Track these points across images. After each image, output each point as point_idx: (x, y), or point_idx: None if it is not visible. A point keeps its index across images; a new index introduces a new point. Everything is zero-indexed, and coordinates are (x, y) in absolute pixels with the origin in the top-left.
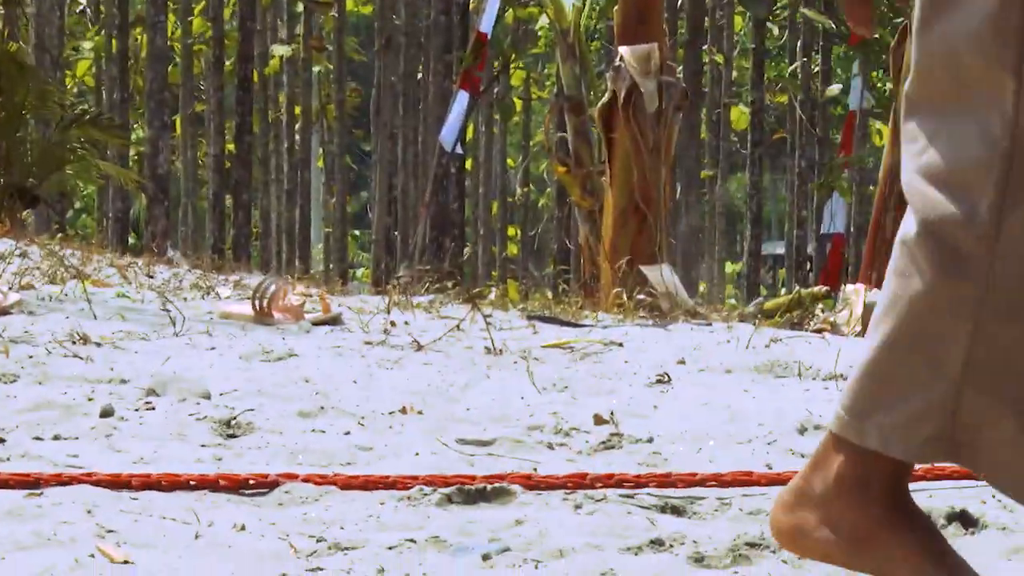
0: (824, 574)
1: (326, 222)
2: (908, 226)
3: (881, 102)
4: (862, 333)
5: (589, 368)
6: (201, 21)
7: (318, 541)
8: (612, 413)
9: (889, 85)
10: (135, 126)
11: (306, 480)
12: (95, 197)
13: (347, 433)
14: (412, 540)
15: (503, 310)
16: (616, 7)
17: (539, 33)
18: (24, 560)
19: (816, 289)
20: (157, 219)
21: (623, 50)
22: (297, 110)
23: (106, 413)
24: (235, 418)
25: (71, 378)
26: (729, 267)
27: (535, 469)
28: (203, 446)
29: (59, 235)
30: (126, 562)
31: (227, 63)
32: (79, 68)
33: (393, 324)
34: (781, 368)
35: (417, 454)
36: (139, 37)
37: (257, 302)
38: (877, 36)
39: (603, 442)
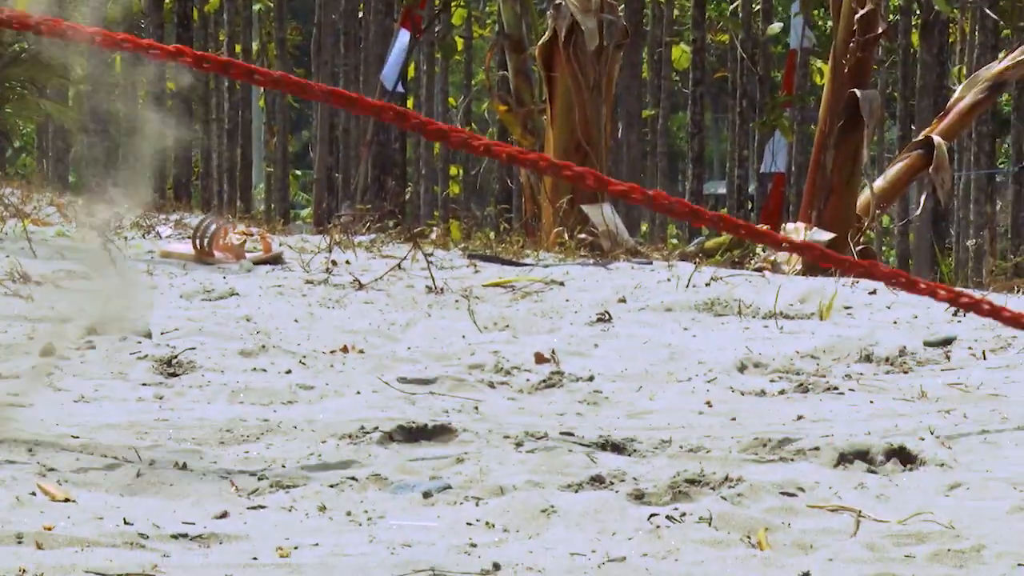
0: (762, 510)
1: (267, 162)
2: None
3: (822, 41)
4: (802, 272)
5: (530, 307)
6: None
7: (259, 479)
8: (553, 352)
9: (830, 23)
10: (75, 66)
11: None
12: (35, 136)
13: (288, 372)
14: (353, 478)
15: (444, 249)
16: None
17: None
18: None
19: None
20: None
21: None
22: (238, 48)
23: (47, 352)
24: (176, 357)
25: (12, 317)
26: None
27: (476, 408)
28: (144, 384)
29: None
30: (67, 500)
31: (166, 1)
32: (18, 4)
33: (334, 263)
34: (721, 306)
35: (358, 392)
36: None
37: (198, 241)
38: None
39: (544, 380)
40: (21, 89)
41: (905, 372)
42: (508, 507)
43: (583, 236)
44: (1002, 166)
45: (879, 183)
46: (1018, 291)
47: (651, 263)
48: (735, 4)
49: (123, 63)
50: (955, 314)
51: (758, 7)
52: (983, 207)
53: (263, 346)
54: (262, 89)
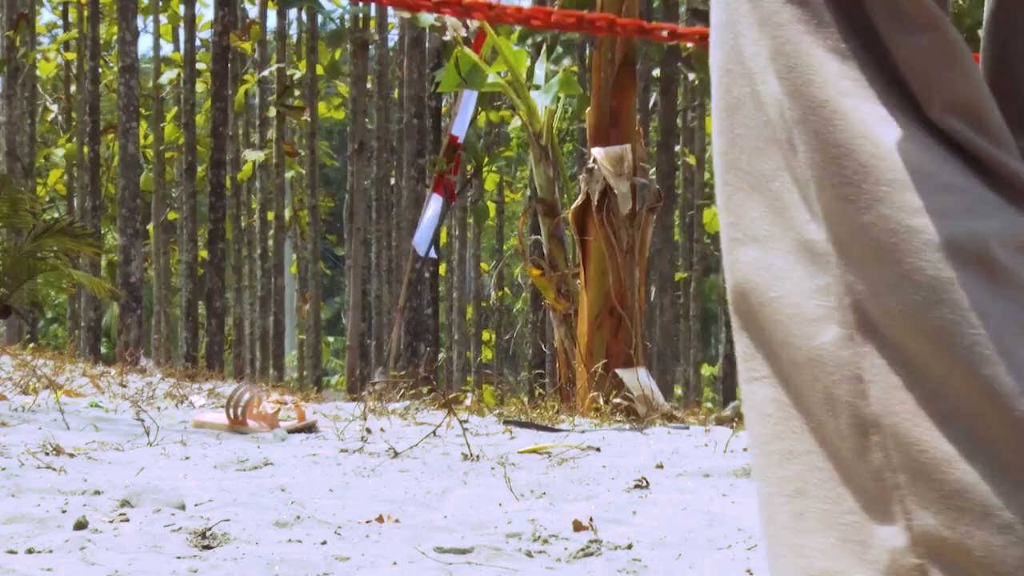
0: None
1: (300, 329)
2: None
3: None
4: None
5: (567, 473)
6: (173, 127)
7: None
8: (591, 519)
9: None
10: (107, 233)
11: None
12: (67, 306)
13: (324, 543)
14: None
15: (479, 415)
16: (588, 109)
17: (511, 136)
18: None
19: None
20: (130, 328)
21: (596, 152)
22: (270, 216)
23: (80, 525)
24: (210, 529)
25: (45, 490)
26: (705, 370)
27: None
28: (178, 558)
29: (31, 345)
30: None
31: (199, 169)
32: (51, 176)
33: (369, 431)
34: None
35: (395, 563)
36: (111, 144)
37: (231, 410)
38: None
39: (582, 549)
40: (54, 259)
41: None
42: None
43: (618, 401)
44: None
45: None
46: None
47: (687, 428)
48: None
49: (154, 230)
50: None
51: None
52: None
53: (298, 516)
54: (294, 255)
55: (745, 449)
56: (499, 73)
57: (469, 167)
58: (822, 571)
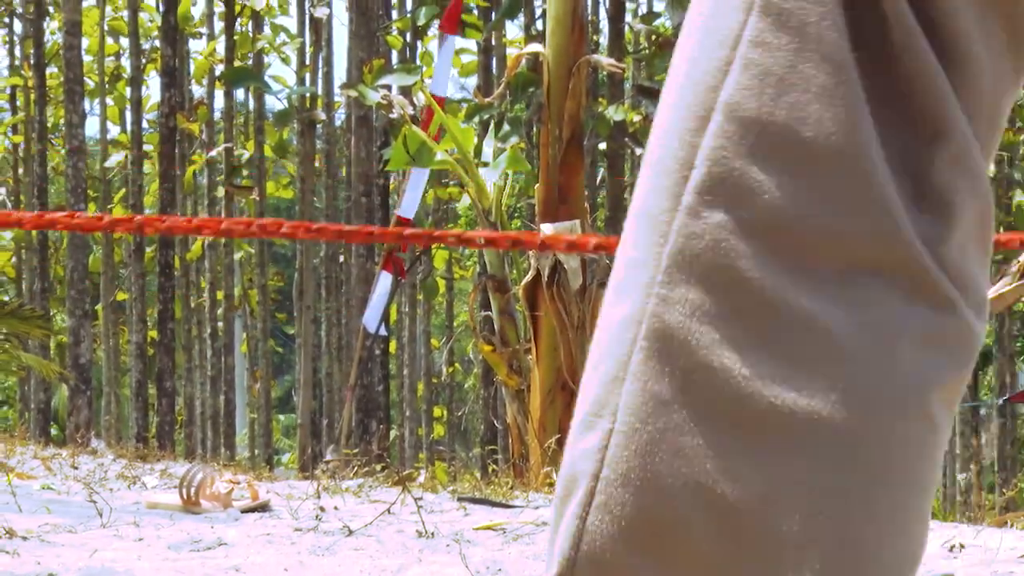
0: None
1: (251, 407)
2: None
3: None
4: None
5: (522, 549)
6: (121, 208)
7: None
8: None
9: None
10: (56, 315)
11: None
12: (16, 388)
13: None
14: None
15: (433, 492)
16: (537, 185)
17: (460, 213)
18: None
19: None
20: (79, 409)
21: (545, 227)
22: (220, 295)
23: None
24: None
25: None
26: None
27: None
28: None
29: None
30: None
31: (148, 250)
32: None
33: (323, 510)
34: None
35: None
36: None
37: (184, 491)
38: None
39: None
40: (3, 343)
41: None
42: None
43: None
44: (985, 399)
45: None
46: (1012, 525)
47: None
48: None
49: (103, 311)
50: (951, 550)
51: None
52: (969, 440)
53: None
54: (244, 333)
55: None
56: (447, 151)
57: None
58: None
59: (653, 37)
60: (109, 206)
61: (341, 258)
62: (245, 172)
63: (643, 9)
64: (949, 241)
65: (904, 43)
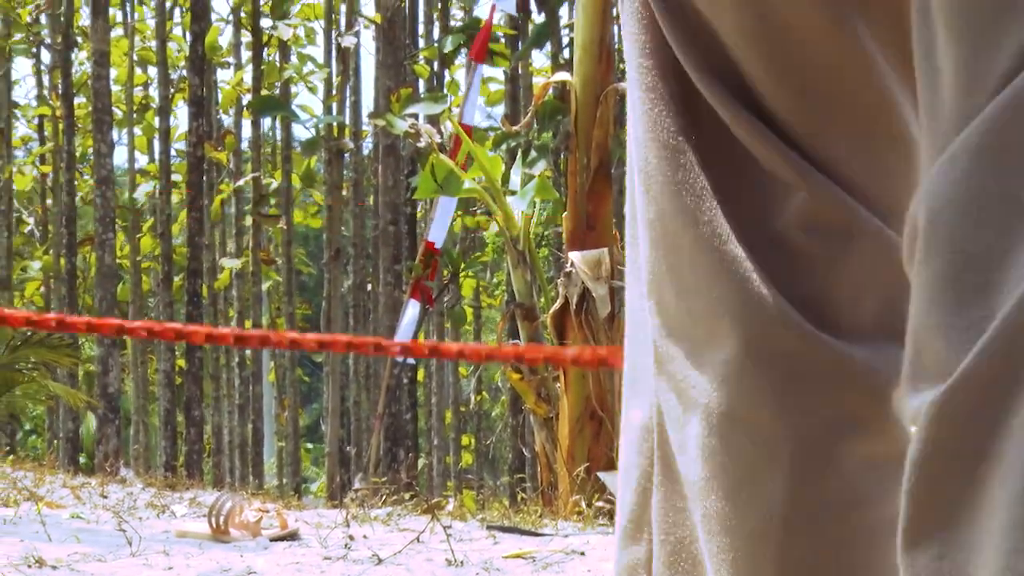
0: None
1: (278, 436)
2: None
3: None
4: None
5: None
6: (150, 238)
7: None
8: None
9: None
10: (84, 344)
11: None
12: (45, 417)
13: None
14: None
15: (462, 520)
16: (565, 214)
17: (487, 241)
18: None
19: None
20: (108, 438)
21: (574, 256)
22: (248, 324)
23: None
24: None
25: None
26: None
27: None
28: None
29: (10, 457)
30: None
31: (176, 279)
32: (28, 288)
33: (352, 538)
34: None
35: None
36: (88, 256)
37: (214, 519)
38: None
39: None
40: (32, 371)
41: None
42: None
43: (601, 504)
44: None
45: None
46: None
47: None
48: None
49: (131, 340)
50: None
51: None
52: None
53: None
54: (272, 362)
55: None
56: (475, 179)
57: (446, 272)
58: None
59: None
60: (138, 235)
61: (369, 287)
62: (273, 201)
63: None
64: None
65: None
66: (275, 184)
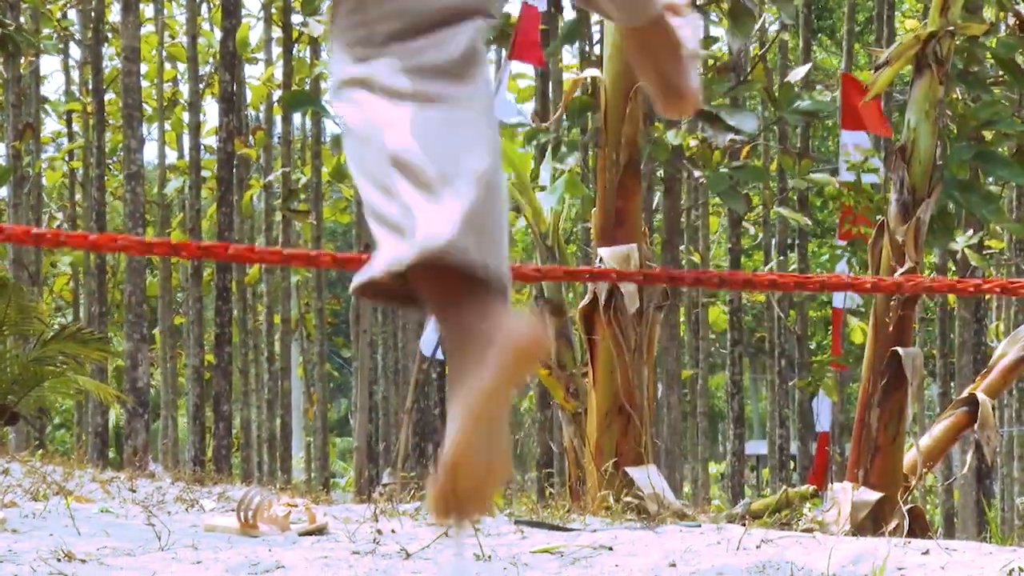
0: None
1: (307, 430)
2: None
3: (867, 301)
4: (851, 531)
5: (580, 573)
6: (180, 233)
7: None
8: None
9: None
10: (113, 339)
11: None
12: (74, 412)
13: None
14: None
15: (490, 515)
16: (594, 210)
17: (515, 236)
18: None
19: (803, 488)
20: (136, 432)
21: (603, 252)
22: (276, 319)
23: None
24: None
25: None
26: (712, 467)
27: None
28: None
29: (39, 451)
30: None
31: (205, 274)
32: (57, 283)
33: (380, 533)
34: (774, 569)
35: None
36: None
37: (242, 514)
38: (862, 231)
39: None
40: (62, 365)
41: None
42: None
43: (629, 499)
44: None
45: (925, 441)
46: None
47: (699, 526)
48: (770, 265)
49: (160, 335)
50: (1010, 574)
51: (794, 266)
52: None
53: None
54: (301, 357)
55: (757, 547)
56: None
57: None
58: None
59: (710, 62)
60: (168, 230)
61: None
62: (302, 196)
63: (700, 34)
64: None
65: None
66: (304, 179)
